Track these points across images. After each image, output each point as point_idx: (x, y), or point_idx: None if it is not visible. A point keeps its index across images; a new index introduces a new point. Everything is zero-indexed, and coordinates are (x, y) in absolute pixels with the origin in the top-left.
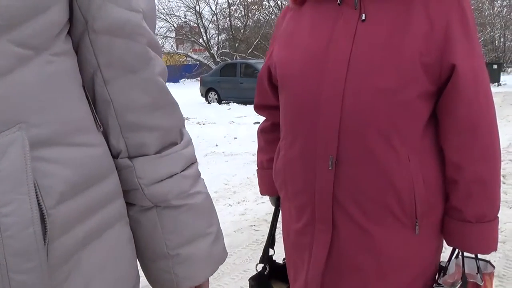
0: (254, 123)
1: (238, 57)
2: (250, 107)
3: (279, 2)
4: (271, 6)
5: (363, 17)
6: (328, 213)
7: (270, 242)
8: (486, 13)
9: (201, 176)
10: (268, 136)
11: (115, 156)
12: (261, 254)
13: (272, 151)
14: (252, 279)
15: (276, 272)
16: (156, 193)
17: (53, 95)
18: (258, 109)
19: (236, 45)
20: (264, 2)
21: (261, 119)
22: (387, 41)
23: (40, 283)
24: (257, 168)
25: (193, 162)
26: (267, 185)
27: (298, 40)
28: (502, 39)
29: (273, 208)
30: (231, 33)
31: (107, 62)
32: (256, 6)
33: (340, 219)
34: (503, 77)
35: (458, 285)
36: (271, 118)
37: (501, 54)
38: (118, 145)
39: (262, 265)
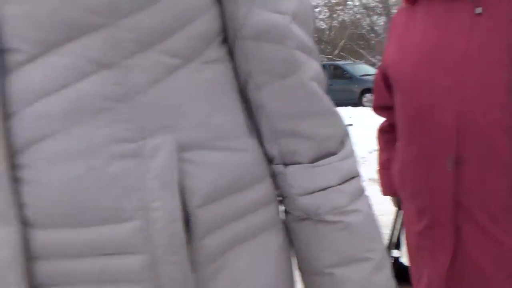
0: None
1: (325, 59)
2: (342, 109)
3: (364, 1)
4: (356, 5)
5: (479, 11)
6: (449, 217)
7: (395, 243)
8: None
9: (366, 194)
10: (388, 136)
11: (270, 161)
12: None
13: (391, 150)
14: None
15: (403, 273)
16: (307, 204)
17: (201, 102)
18: (377, 110)
19: (322, 47)
20: (348, 2)
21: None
22: (507, 36)
23: (184, 277)
24: (378, 168)
25: (353, 176)
26: (388, 186)
27: (411, 39)
28: None
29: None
30: (316, 35)
31: (257, 67)
32: (340, 7)
33: (464, 223)
34: None
35: None
36: (390, 118)
37: None
38: (271, 150)
39: None
